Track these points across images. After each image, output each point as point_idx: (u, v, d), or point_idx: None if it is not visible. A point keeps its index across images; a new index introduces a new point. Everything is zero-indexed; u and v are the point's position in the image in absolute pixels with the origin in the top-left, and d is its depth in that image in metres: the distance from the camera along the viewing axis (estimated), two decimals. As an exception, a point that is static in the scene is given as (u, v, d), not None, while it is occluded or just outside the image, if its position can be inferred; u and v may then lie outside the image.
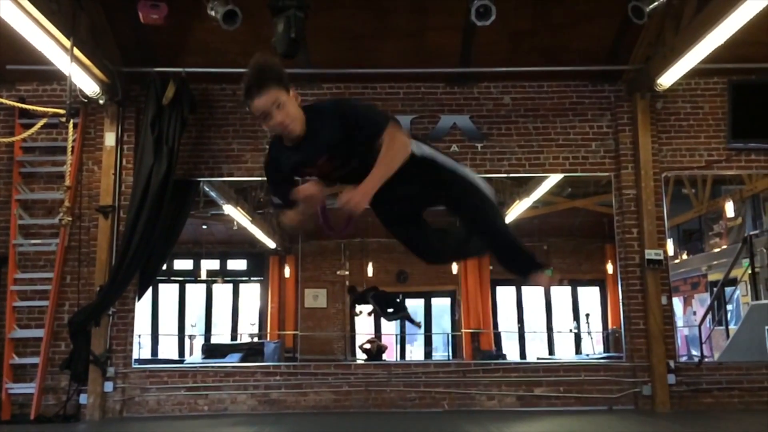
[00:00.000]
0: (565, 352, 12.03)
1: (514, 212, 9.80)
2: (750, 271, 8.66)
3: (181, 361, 10.37)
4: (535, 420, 6.74)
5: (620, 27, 7.27)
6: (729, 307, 9.67)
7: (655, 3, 6.28)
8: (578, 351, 12.06)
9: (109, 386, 7.21)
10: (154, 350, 11.22)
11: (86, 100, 7.41)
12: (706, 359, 7.71)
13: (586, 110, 7.95)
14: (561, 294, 12.46)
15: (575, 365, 7.90)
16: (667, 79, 7.14)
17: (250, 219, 10.18)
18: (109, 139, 7.53)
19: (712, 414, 6.93)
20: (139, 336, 8.29)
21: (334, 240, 11.80)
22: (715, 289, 9.27)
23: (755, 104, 7.64)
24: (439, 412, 7.23)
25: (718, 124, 7.82)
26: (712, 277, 9.98)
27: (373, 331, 11.16)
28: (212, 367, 7.80)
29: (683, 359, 7.96)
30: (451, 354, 12.16)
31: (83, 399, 7.14)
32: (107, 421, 7.05)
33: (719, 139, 7.79)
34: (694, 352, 8.78)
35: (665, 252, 7.55)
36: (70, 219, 7.11)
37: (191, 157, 7.78)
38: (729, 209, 9.74)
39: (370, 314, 11.47)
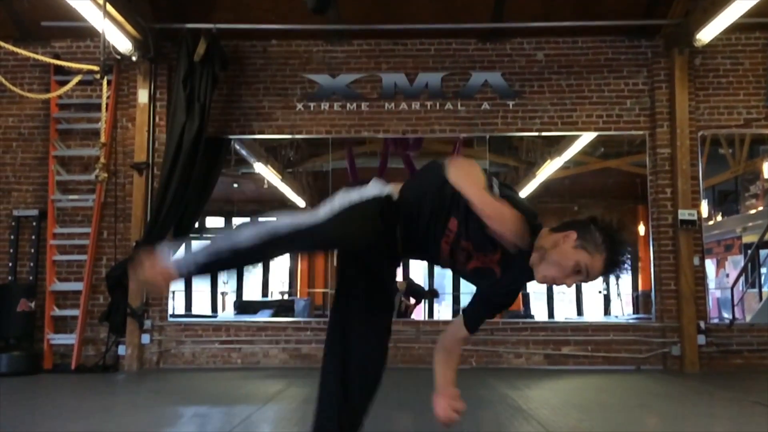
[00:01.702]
0: (593, 314, 11.98)
1: (544, 172, 9.68)
2: (786, 234, 8.47)
3: (214, 317, 10.59)
4: (563, 378, 6.79)
5: (659, -20, 7.07)
6: (763, 270, 9.53)
7: (697, -46, 6.07)
8: (607, 312, 12.01)
9: (146, 338, 7.44)
10: (188, 306, 11.44)
11: (119, 57, 7.47)
12: (737, 321, 7.64)
13: (622, 66, 7.77)
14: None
15: (604, 325, 7.90)
16: (707, 35, 6.94)
17: (281, 177, 10.22)
18: (142, 96, 7.61)
19: (741, 375, 6.89)
20: (173, 292, 8.48)
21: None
22: (749, 251, 9.11)
23: (798, 60, 7.40)
24: (467, 369, 7.32)
25: (758, 81, 7.60)
26: (746, 239, 9.80)
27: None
28: (245, 321, 7.96)
29: (714, 321, 7.89)
30: (478, 314, 12.19)
31: (122, 350, 7.38)
32: (145, 372, 7.29)
33: (759, 97, 7.59)
34: (725, 315, 8.68)
35: (699, 212, 7.43)
36: (105, 175, 7.27)
37: (222, 114, 7.83)
38: (767, 170, 9.51)
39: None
